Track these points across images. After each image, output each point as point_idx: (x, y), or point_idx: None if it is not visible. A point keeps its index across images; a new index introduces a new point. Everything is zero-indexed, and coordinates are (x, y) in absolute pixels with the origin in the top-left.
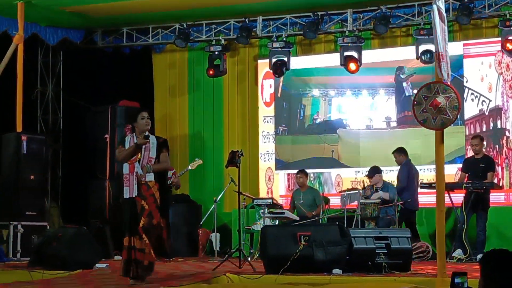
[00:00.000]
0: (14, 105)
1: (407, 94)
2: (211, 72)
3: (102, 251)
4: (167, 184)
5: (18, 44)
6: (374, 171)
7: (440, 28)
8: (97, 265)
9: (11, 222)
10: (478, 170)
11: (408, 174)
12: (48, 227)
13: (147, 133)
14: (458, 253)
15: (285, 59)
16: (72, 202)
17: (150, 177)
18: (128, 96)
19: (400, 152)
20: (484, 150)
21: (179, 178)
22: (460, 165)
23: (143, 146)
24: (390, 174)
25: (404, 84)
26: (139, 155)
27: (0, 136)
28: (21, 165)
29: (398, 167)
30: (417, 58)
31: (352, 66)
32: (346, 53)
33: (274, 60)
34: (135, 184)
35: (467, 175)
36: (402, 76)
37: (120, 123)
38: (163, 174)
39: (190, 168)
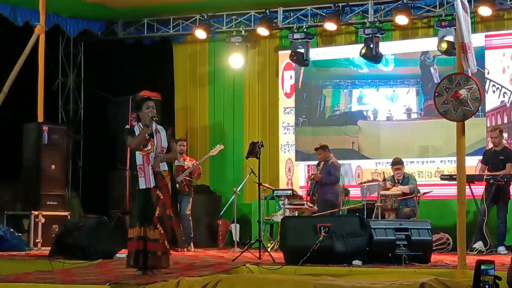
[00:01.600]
0: (35, 95)
1: (435, 81)
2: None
3: (122, 241)
4: (174, 173)
5: (40, 35)
6: (397, 163)
7: (464, 19)
8: (117, 255)
9: (32, 212)
10: (498, 162)
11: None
12: (68, 217)
13: (155, 116)
14: (478, 245)
15: (305, 50)
16: (92, 192)
17: (164, 166)
18: (149, 86)
19: (325, 148)
20: (504, 142)
21: (200, 166)
22: (481, 157)
23: (155, 135)
24: (411, 166)
25: (432, 70)
26: (153, 146)
27: (21, 126)
28: (42, 155)
29: (419, 159)
30: (438, 50)
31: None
32: (366, 44)
33: (294, 51)
34: (151, 174)
35: (487, 167)
36: (429, 61)
37: None
38: (171, 163)
39: (211, 154)
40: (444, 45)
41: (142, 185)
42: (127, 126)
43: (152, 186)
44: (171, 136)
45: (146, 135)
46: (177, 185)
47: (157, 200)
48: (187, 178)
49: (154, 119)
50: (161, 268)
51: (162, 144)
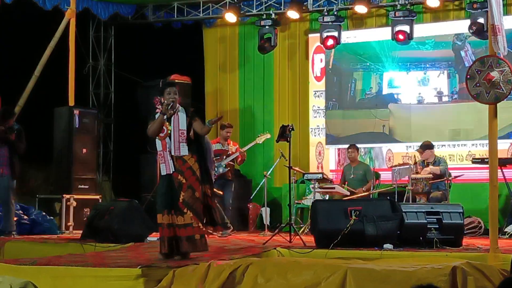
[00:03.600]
0: (66, 79)
1: (466, 65)
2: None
3: (153, 225)
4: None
5: (70, 19)
6: (426, 147)
7: (496, 0)
8: (148, 238)
9: (63, 196)
10: None
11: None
12: (100, 201)
13: (171, 103)
14: (510, 228)
15: (336, 33)
16: (123, 176)
17: (184, 151)
18: (179, 70)
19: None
20: None
21: (245, 152)
22: None
23: (172, 118)
24: (442, 149)
25: (463, 53)
26: (167, 131)
27: (52, 110)
28: (73, 139)
29: (450, 142)
30: (470, 32)
31: (400, 36)
32: (397, 27)
33: (325, 34)
34: (170, 159)
35: None
36: (460, 43)
37: None
38: (200, 144)
39: (257, 141)
40: (476, 27)
41: (163, 171)
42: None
43: (172, 172)
44: (194, 116)
45: (165, 120)
46: (221, 170)
47: (179, 185)
48: (231, 163)
49: (169, 107)
50: (202, 251)
51: (180, 127)
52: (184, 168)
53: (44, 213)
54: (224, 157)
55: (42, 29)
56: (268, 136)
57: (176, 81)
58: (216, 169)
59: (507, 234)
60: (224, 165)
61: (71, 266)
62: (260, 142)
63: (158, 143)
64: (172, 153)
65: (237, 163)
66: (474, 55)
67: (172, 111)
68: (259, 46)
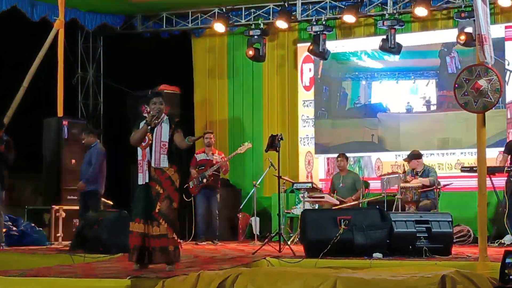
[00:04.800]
0: (55, 90)
1: (449, 72)
2: (250, 52)
3: None
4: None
5: (59, 30)
6: (413, 157)
7: (482, 10)
8: None
9: (52, 206)
10: None
11: (103, 157)
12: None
13: (156, 113)
14: (508, 239)
15: (323, 43)
16: (112, 187)
17: (164, 163)
18: (168, 80)
19: (90, 133)
20: None
21: (228, 162)
22: (502, 149)
23: (155, 129)
24: (431, 158)
25: (448, 59)
26: (149, 141)
27: (41, 120)
28: (62, 149)
29: (439, 151)
30: (458, 41)
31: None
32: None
33: (313, 44)
34: (147, 170)
35: (509, 156)
36: (446, 50)
37: None
38: (181, 155)
39: (239, 151)
40: (463, 37)
41: (140, 181)
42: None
43: (148, 182)
44: (176, 127)
45: (148, 130)
46: (205, 180)
47: (157, 195)
48: (215, 173)
49: (153, 118)
50: (174, 263)
51: (162, 139)
52: (163, 178)
53: (33, 224)
54: (209, 167)
55: (30, 40)
56: (249, 146)
57: (165, 91)
58: (200, 179)
59: (497, 243)
60: (207, 175)
61: (60, 277)
62: (242, 152)
63: (139, 152)
64: (152, 164)
65: (222, 172)
66: (461, 63)
67: (156, 121)
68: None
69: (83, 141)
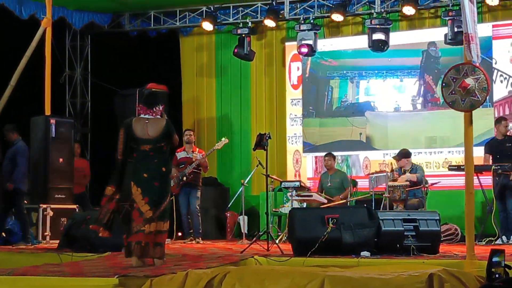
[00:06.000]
0: (42, 88)
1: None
2: (236, 50)
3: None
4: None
5: (46, 28)
6: (402, 155)
7: (469, 9)
8: None
9: (40, 205)
10: (505, 150)
11: (28, 155)
12: (77, 210)
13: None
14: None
15: (312, 41)
16: (100, 185)
17: None
18: (155, 79)
19: (12, 130)
20: (510, 132)
21: (206, 159)
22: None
23: None
24: (419, 157)
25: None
26: None
27: (29, 119)
28: (50, 148)
29: (427, 150)
30: (446, 40)
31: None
32: (374, 35)
33: (301, 42)
34: None
35: (491, 156)
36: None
37: None
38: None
39: (216, 148)
40: (451, 35)
41: None
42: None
43: None
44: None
45: None
46: (185, 178)
47: None
48: (196, 170)
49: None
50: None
51: None
52: None
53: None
54: (189, 165)
55: (18, 38)
56: (226, 141)
57: (153, 89)
58: (180, 177)
59: (484, 241)
60: (187, 173)
61: (48, 276)
62: (220, 148)
63: None
64: None
65: (203, 170)
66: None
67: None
68: (237, 54)
69: (4, 138)
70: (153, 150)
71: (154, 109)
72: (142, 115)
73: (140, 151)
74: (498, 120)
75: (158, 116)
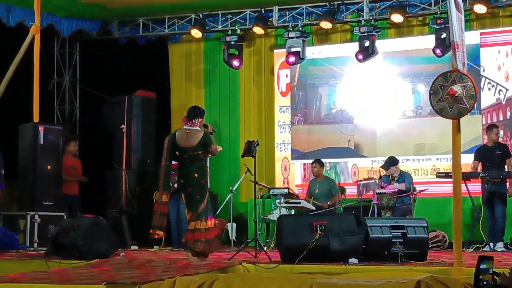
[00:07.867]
0: (31, 95)
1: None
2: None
3: (118, 241)
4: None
5: (35, 35)
6: (390, 163)
7: (457, 17)
8: (121, 254)
9: (28, 212)
10: (495, 157)
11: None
12: (65, 217)
13: None
14: (500, 246)
15: (301, 49)
16: (88, 192)
17: None
18: (144, 86)
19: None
20: (500, 139)
21: None
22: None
23: None
24: (407, 164)
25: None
26: None
27: (17, 126)
28: (38, 155)
29: (415, 157)
30: (433, 48)
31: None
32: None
33: (290, 50)
34: None
35: (480, 163)
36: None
37: (137, 114)
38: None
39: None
40: (439, 43)
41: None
42: (123, 126)
43: None
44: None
45: None
46: (175, 185)
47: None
48: None
49: None
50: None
51: None
52: None
53: (5, 228)
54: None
55: (6, 46)
56: (220, 149)
57: (195, 105)
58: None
59: (471, 248)
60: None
61: (36, 283)
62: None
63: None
64: None
65: None
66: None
67: None
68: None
69: None
70: (190, 158)
71: (193, 120)
72: (184, 126)
73: (180, 159)
74: (490, 128)
75: (197, 128)
